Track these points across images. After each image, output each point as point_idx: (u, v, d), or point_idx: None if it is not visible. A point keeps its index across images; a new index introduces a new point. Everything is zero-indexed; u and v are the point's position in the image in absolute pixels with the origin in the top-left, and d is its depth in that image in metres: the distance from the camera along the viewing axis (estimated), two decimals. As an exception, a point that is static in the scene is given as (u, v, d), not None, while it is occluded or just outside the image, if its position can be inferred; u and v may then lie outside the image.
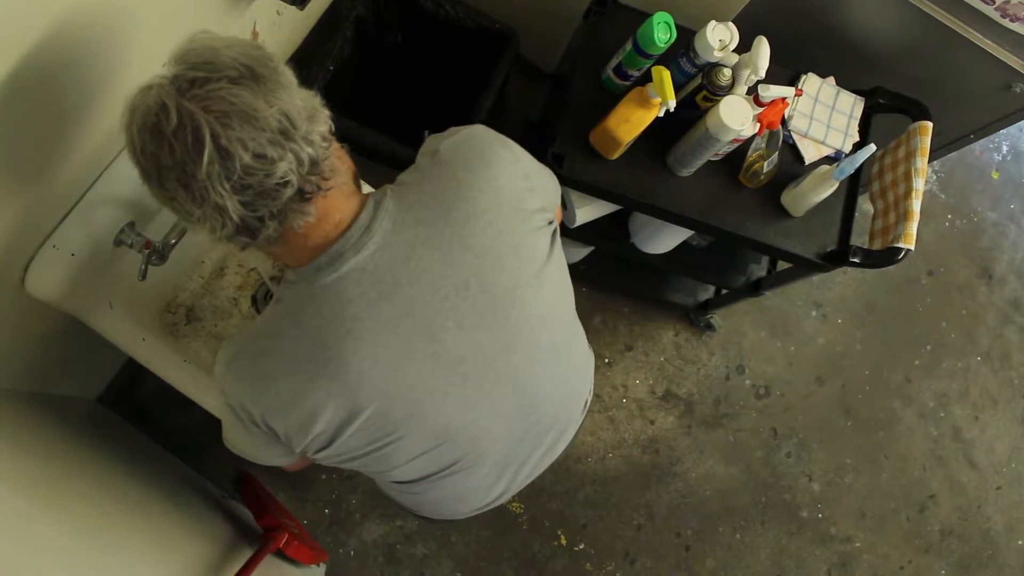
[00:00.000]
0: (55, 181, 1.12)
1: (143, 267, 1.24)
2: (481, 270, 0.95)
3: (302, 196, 0.82)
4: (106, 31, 0.99)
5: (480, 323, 0.97)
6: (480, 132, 1.05)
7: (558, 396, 1.15)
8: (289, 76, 0.82)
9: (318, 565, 1.88)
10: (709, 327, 2.54)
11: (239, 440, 1.09)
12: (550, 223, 1.07)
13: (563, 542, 2.30)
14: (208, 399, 1.44)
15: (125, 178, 1.21)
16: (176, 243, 1.28)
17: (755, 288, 2.13)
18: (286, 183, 0.79)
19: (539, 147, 1.68)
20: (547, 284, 1.04)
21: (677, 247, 2.04)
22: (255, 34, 1.44)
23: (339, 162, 0.89)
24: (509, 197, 1.00)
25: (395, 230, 0.92)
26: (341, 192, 0.90)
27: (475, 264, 0.95)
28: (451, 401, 1.00)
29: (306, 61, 1.68)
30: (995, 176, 3.03)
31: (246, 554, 1.54)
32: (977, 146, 2.37)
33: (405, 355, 0.94)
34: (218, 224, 0.79)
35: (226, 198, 0.77)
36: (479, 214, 0.96)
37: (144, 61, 1.13)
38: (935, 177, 2.98)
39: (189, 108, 0.74)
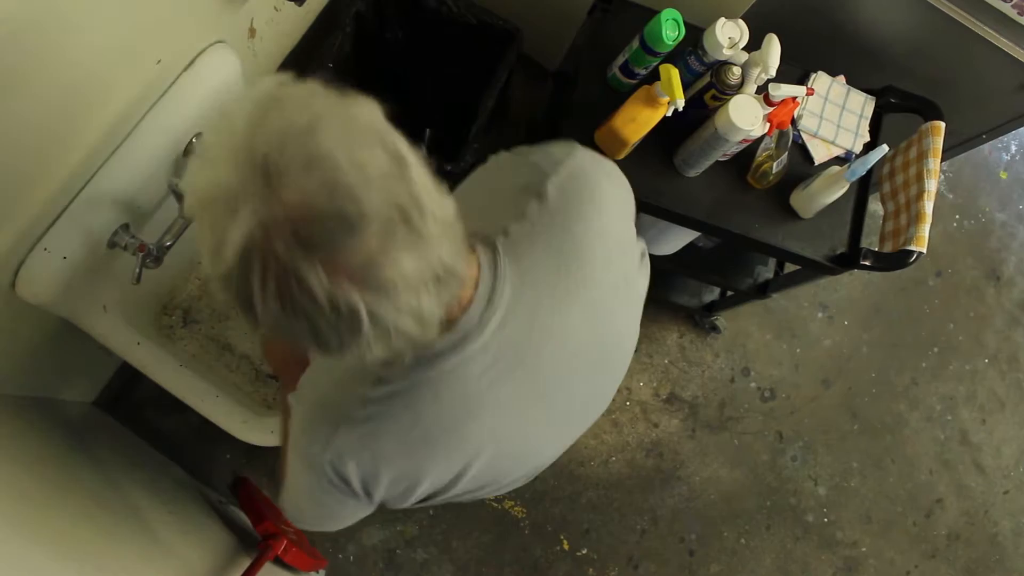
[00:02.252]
0: (46, 182, 1.09)
1: (138, 270, 1.20)
2: (596, 326, 0.92)
3: (445, 324, 0.73)
4: (98, 21, 0.96)
5: (589, 376, 0.96)
6: (586, 165, 0.94)
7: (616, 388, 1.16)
8: (426, 178, 0.65)
9: (317, 572, 1.85)
10: (714, 329, 2.51)
11: (313, 511, 0.97)
12: (643, 253, 1.05)
13: (565, 547, 2.27)
14: (204, 404, 1.41)
15: (119, 179, 1.17)
16: (171, 245, 1.25)
17: (762, 290, 2.10)
18: (438, 328, 0.70)
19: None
20: (639, 318, 1.03)
21: (683, 248, 2.01)
22: (252, 31, 1.41)
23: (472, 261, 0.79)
24: (618, 239, 0.95)
25: (514, 299, 0.82)
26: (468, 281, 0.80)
27: (592, 322, 0.91)
28: (551, 446, 1.01)
29: (305, 58, 1.65)
30: (1003, 176, 2.99)
31: (244, 562, 1.52)
32: (985, 146, 2.33)
33: (525, 423, 0.91)
34: (352, 361, 0.68)
35: (370, 355, 0.66)
36: (595, 268, 0.90)
37: (142, 56, 1.10)
38: (943, 177, 2.94)
39: (342, 292, 0.59)
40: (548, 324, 0.85)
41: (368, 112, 0.65)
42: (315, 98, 0.63)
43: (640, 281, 1.02)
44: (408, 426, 0.82)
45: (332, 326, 0.61)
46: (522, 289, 0.83)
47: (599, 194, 0.92)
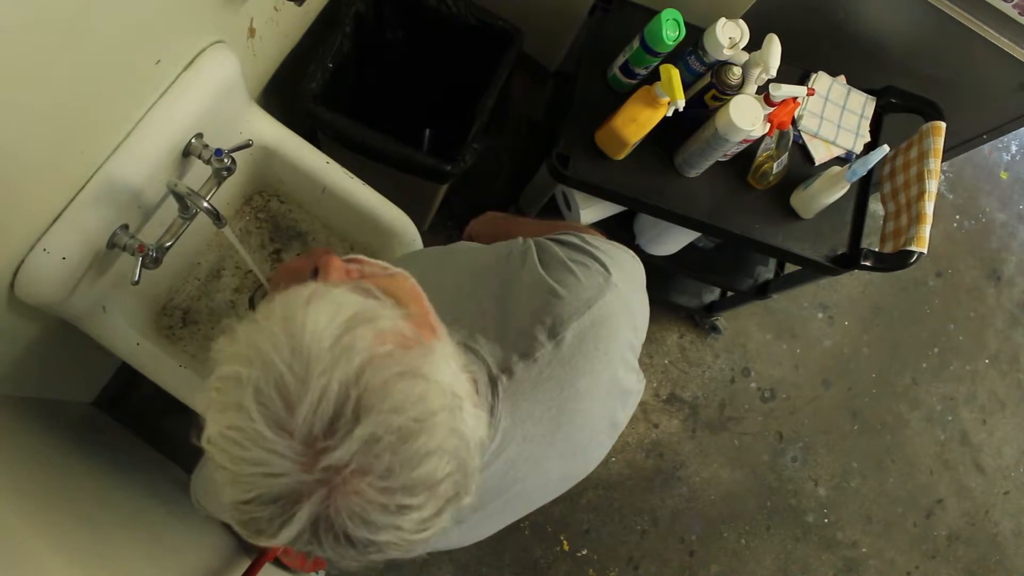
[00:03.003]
0: (45, 183, 1.09)
1: (137, 271, 1.20)
2: (569, 467, 0.90)
3: None
4: (96, 22, 0.96)
5: (541, 501, 0.93)
6: (614, 311, 0.87)
7: None
8: (475, 433, 0.61)
9: (316, 573, 1.84)
10: (714, 329, 2.51)
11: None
12: (639, 392, 0.98)
13: (565, 547, 2.27)
14: (204, 405, 1.40)
15: (118, 179, 1.17)
16: (171, 246, 1.25)
17: (762, 291, 2.10)
18: None
19: (543, 147, 1.65)
20: (613, 442, 0.98)
21: (683, 248, 2.01)
22: (252, 31, 1.40)
23: None
24: (619, 387, 0.90)
25: (501, 446, 0.79)
26: None
27: (566, 466, 0.89)
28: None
29: (304, 58, 1.65)
30: (1004, 176, 2.99)
31: (244, 563, 1.51)
32: (986, 146, 2.33)
33: (466, 535, 0.90)
34: None
35: None
36: (586, 425, 0.87)
37: (141, 56, 1.09)
38: (943, 177, 2.94)
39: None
40: (523, 472, 0.82)
41: (448, 388, 0.58)
42: (400, 383, 0.55)
43: (626, 419, 0.96)
44: None
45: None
46: (512, 436, 0.79)
47: (614, 343, 0.87)
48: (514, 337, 0.83)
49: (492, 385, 0.78)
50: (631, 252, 1.01)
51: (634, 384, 0.93)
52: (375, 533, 0.54)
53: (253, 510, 0.54)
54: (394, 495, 0.53)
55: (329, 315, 0.56)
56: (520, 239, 0.94)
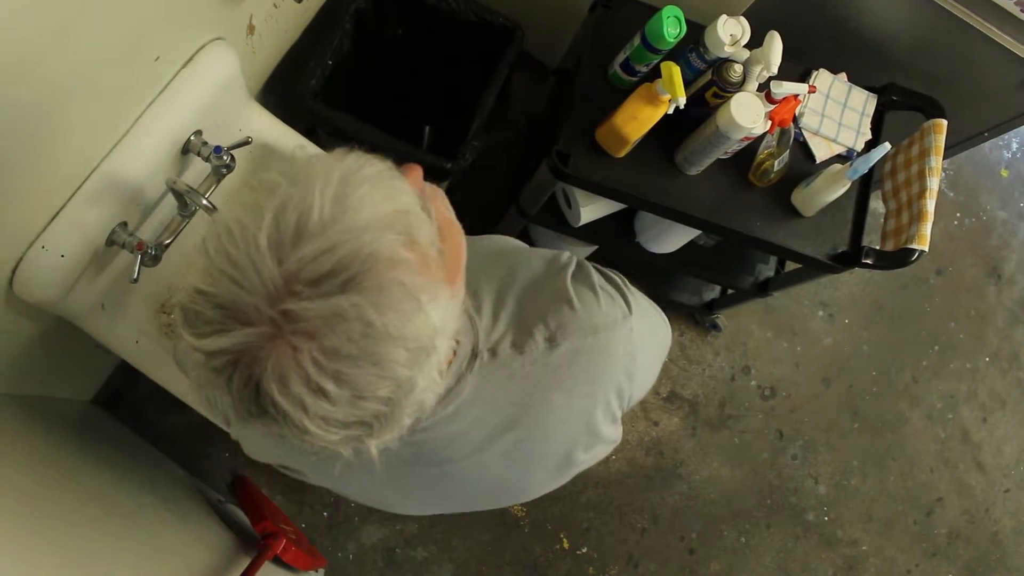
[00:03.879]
0: (44, 180, 1.08)
1: (136, 268, 1.20)
2: (503, 476, 0.87)
3: None
4: (95, 18, 0.95)
5: (475, 499, 0.92)
6: (619, 346, 0.86)
7: None
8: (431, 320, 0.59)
9: (316, 571, 1.84)
10: (715, 327, 2.50)
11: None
12: (616, 441, 0.94)
13: (565, 546, 2.26)
14: (203, 403, 1.40)
15: (117, 177, 1.17)
16: (170, 243, 1.24)
17: (763, 289, 2.10)
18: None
19: (544, 145, 1.64)
20: (559, 484, 0.95)
21: (683, 246, 2.00)
22: (251, 28, 1.40)
23: None
24: (589, 421, 0.86)
25: (449, 418, 0.77)
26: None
27: (501, 473, 0.86)
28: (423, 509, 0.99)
29: (304, 55, 1.64)
30: (1004, 174, 2.98)
31: (243, 562, 1.51)
32: (986, 144, 2.32)
33: (403, 497, 0.91)
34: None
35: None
36: (542, 437, 0.83)
37: (140, 52, 1.09)
38: (943, 175, 2.93)
39: None
40: (463, 454, 0.81)
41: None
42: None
43: (585, 464, 0.91)
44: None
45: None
46: (466, 413, 0.78)
47: (604, 379, 0.84)
48: (515, 327, 0.82)
49: (472, 357, 0.77)
50: (665, 317, 0.98)
51: (608, 432, 0.89)
52: (282, 396, 0.52)
53: (200, 303, 0.53)
54: (322, 374, 0.52)
55: (385, 194, 0.57)
56: (568, 252, 0.93)
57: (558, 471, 0.89)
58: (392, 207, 0.56)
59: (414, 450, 0.79)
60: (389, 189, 0.58)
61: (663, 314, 0.99)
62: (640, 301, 0.92)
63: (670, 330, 0.98)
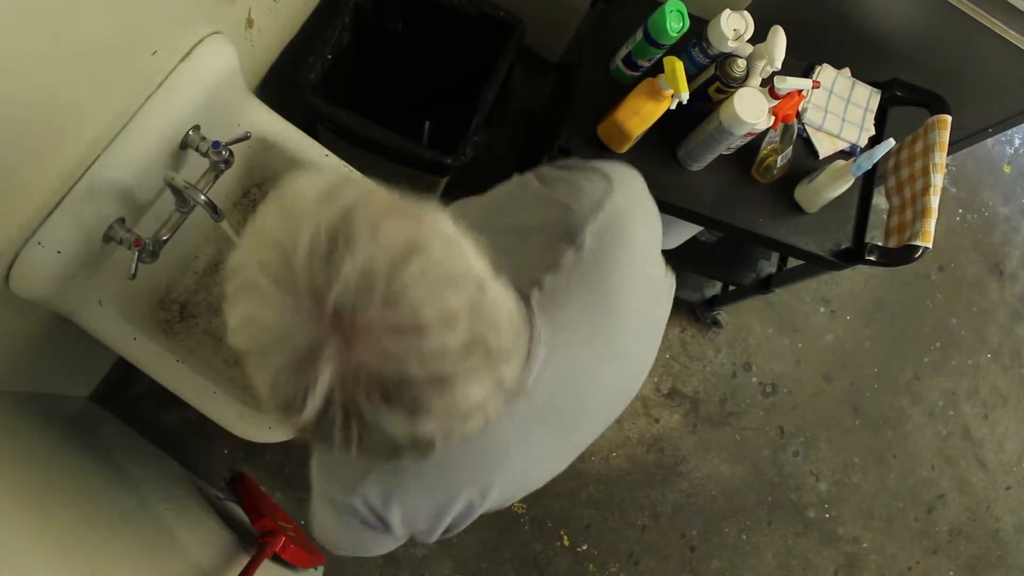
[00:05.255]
0: (40, 176, 1.07)
1: (134, 264, 1.19)
2: (622, 369, 0.91)
3: None
4: (92, 11, 0.94)
5: (610, 410, 0.95)
6: (624, 206, 0.88)
7: None
8: (494, 298, 0.60)
9: (315, 569, 1.83)
10: (716, 324, 2.49)
11: (344, 544, 0.95)
12: (671, 286, 1.01)
13: (566, 543, 2.26)
14: (201, 400, 1.39)
15: (114, 172, 1.15)
16: (168, 239, 1.23)
17: (765, 285, 2.08)
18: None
19: (545, 140, 1.63)
20: (657, 346, 1.00)
21: (685, 242, 1.99)
22: (250, 21, 1.38)
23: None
24: (651, 286, 0.92)
25: (549, 358, 0.78)
26: None
27: (620, 368, 0.90)
28: (567, 461, 0.97)
29: (303, 50, 1.63)
30: (1007, 170, 2.97)
31: (242, 559, 1.50)
32: (989, 140, 2.31)
33: (540, 463, 0.90)
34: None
35: None
36: (628, 320, 0.87)
37: (138, 46, 1.08)
38: (946, 171, 2.92)
39: (423, 431, 0.57)
40: (580, 380, 0.83)
41: (446, 233, 0.58)
42: (389, 221, 0.54)
43: (664, 316, 1.00)
44: (434, 473, 0.80)
45: (409, 452, 0.59)
46: (556, 347, 0.79)
47: (633, 237, 0.88)
48: (536, 257, 0.83)
49: (525, 301, 0.78)
50: (627, 164, 1.01)
51: (662, 277, 0.96)
52: (400, 364, 0.52)
53: (281, 384, 0.53)
54: (401, 316, 0.51)
55: (314, 179, 0.57)
56: (515, 175, 0.97)
57: (652, 336, 0.95)
58: (329, 181, 0.58)
59: (540, 409, 0.80)
60: (315, 175, 0.59)
61: (618, 162, 1.02)
62: (602, 163, 0.95)
63: (634, 168, 1.01)
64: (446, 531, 0.90)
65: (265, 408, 0.56)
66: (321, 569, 1.90)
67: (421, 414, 0.55)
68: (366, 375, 0.52)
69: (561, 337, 0.80)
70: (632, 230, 0.88)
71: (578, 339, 0.82)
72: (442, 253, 0.55)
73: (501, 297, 0.61)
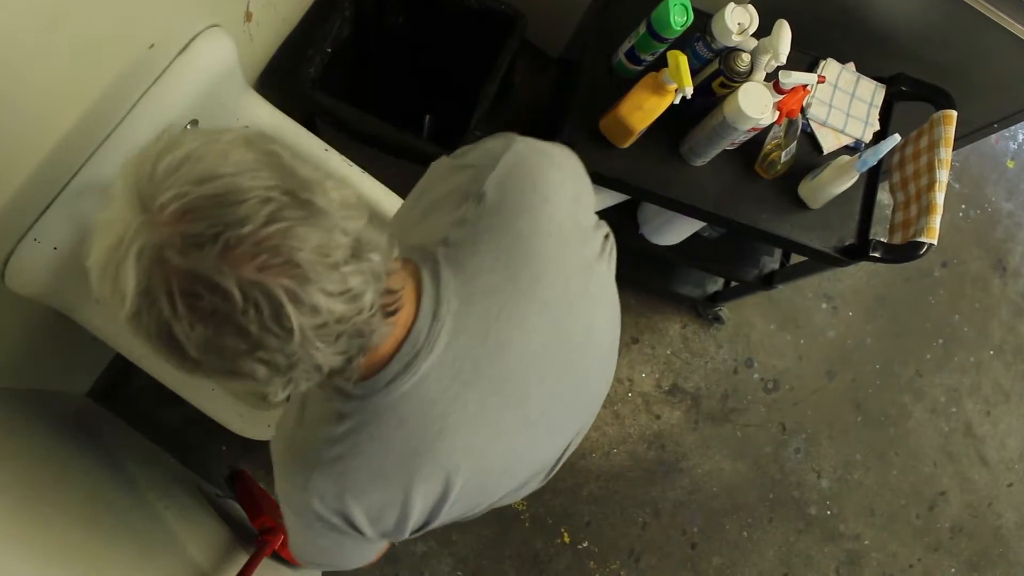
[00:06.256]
0: (36, 170, 1.06)
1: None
2: (558, 323, 0.87)
3: (386, 314, 0.69)
4: (89, 3, 0.93)
5: (562, 375, 0.90)
6: (525, 154, 0.88)
7: (609, 381, 1.11)
8: (310, 169, 0.64)
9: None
10: (717, 319, 2.48)
11: (318, 555, 0.95)
12: (606, 236, 0.97)
13: (566, 540, 2.25)
14: (199, 398, 1.38)
15: (111, 167, 1.14)
16: (165, 235, 1.22)
17: (767, 281, 2.07)
18: (374, 311, 0.66)
19: (546, 135, 1.61)
20: (612, 306, 0.97)
21: (687, 238, 1.98)
22: (248, 15, 1.37)
23: (391, 244, 0.72)
24: (570, 229, 0.88)
25: (463, 309, 0.79)
26: (404, 282, 0.75)
27: (552, 320, 0.86)
28: (539, 451, 0.96)
29: (303, 43, 1.61)
30: (1010, 165, 2.96)
31: (241, 558, 1.49)
32: (992, 135, 2.29)
33: (499, 432, 0.86)
34: (304, 380, 0.65)
35: (319, 355, 0.62)
36: (548, 264, 0.84)
37: (135, 40, 1.06)
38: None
39: (249, 278, 0.56)
40: (504, 329, 0.81)
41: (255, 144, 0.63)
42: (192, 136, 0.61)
43: (605, 267, 0.94)
44: (379, 456, 0.80)
45: (261, 326, 0.57)
46: (470, 297, 0.79)
47: (543, 183, 0.87)
48: (444, 219, 0.85)
49: (433, 260, 0.80)
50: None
51: (591, 221, 0.93)
52: (204, 224, 0.55)
53: (110, 272, 0.58)
54: (196, 183, 0.56)
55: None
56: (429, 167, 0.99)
57: (582, 280, 0.90)
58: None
59: (468, 366, 0.79)
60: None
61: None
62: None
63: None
64: (425, 524, 0.89)
65: (122, 322, 0.60)
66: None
67: (238, 259, 0.56)
68: (168, 230, 0.55)
69: (475, 285, 0.79)
70: (539, 175, 0.87)
71: (493, 285, 0.81)
72: (243, 155, 0.60)
73: (311, 170, 0.63)
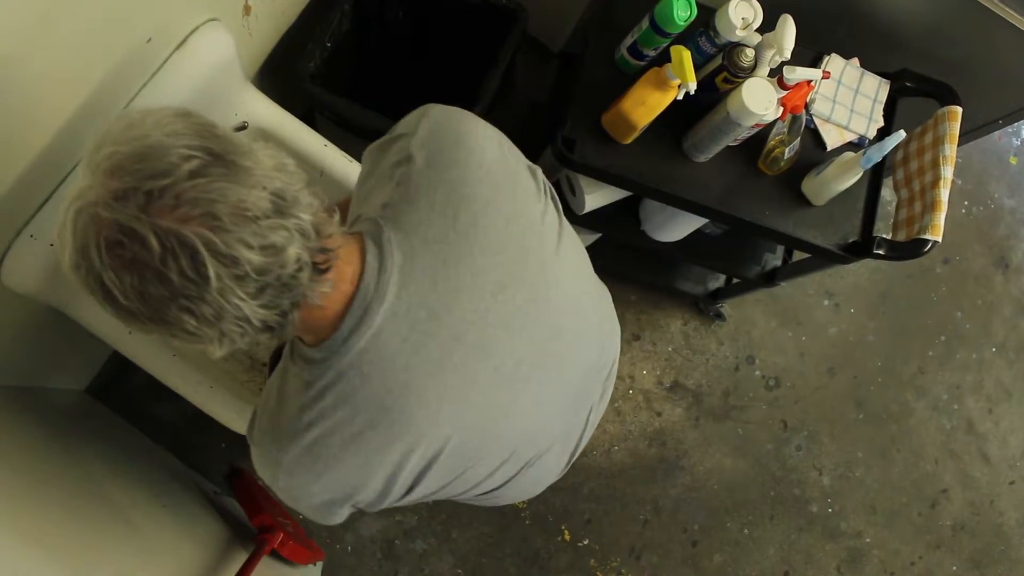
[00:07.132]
0: (32, 166, 1.04)
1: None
2: (508, 265, 0.88)
3: (318, 271, 0.72)
4: None
5: (526, 319, 0.90)
6: (442, 114, 0.95)
7: (603, 349, 1.12)
8: (243, 139, 0.69)
9: (315, 565, 1.82)
10: (719, 316, 2.47)
11: (308, 511, 0.95)
12: (541, 181, 1.00)
13: (567, 537, 2.24)
14: (198, 395, 1.37)
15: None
16: (163, 232, 1.21)
17: (770, 278, 2.06)
18: (300, 266, 0.68)
19: (548, 131, 1.60)
20: (569, 248, 0.99)
21: (689, 235, 1.97)
22: (247, 8, 1.35)
23: (330, 210, 0.77)
24: (501, 172, 0.92)
25: (408, 260, 0.82)
26: (343, 243, 0.79)
27: (500, 261, 0.87)
28: (519, 407, 0.95)
29: (302, 37, 1.60)
30: (1013, 162, 2.94)
31: (240, 556, 1.48)
32: (995, 131, 2.28)
33: (468, 383, 0.86)
34: (238, 334, 0.69)
35: (244, 306, 0.66)
36: (484, 208, 0.87)
37: (132, 34, 1.05)
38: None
39: (166, 226, 0.61)
40: (453, 274, 0.84)
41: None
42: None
43: (548, 210, 0.96)
44: (348, 418, 0.81)
45: (180, 273, 0.62)
46: (413, 249, 0.83)
47: (465, 135, 0.92)
48: (380, 189, 0.90)
49: (375, 224, 0.84)
50: None
51: (523, 163, 0.98)
52: (130, 179, 0.61)
53: (59, 239, 0.65)
54: (125, 143, 0.63)
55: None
56: None
57: (546, 230, 0.94)
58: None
59: (422, 314, 0.82)
60: None
61: None
62: None
63: None
64: (409, 489, 0.90)
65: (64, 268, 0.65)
66: (320, 565, 1.88)
67: (159, 210, 0.61)
68: (102, 187, 0.61)
69: (416, 238, 0.83)
70: (460, 129, 0.92)
71: (434, 235, 0.84)
72: (176, 123, 0.66)
73: (240, 139, 0.69)
